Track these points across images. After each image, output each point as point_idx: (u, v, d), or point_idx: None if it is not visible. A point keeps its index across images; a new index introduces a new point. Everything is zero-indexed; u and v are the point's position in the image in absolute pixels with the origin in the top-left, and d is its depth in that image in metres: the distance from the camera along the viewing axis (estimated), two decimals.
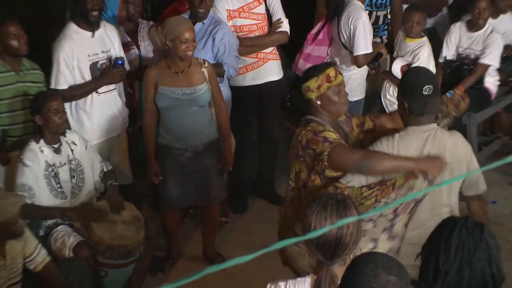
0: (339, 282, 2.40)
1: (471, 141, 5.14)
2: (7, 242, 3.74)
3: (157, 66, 4.74)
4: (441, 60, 5.74)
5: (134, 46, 5.43)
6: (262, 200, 6.11)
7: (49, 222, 4.42)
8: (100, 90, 4.90)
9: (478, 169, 3.64)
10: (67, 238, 4.34)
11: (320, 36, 5.64)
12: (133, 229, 4.50)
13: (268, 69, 5.65)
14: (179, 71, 4.68)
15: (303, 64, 5.69)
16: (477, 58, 5.59)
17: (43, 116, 4.33)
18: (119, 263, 4.46)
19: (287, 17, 5.65)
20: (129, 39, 5.42)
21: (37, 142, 4.37)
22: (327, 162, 3.41)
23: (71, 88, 4.81)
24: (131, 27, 5.50)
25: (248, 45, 5.49)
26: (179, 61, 4.65)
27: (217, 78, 4.90)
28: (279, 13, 5.61)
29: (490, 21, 5.74)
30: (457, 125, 4.95)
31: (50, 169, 4.37)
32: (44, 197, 4.33)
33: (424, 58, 5.42)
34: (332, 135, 3.47)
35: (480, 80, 5.63)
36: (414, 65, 5.29)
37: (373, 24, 5.86)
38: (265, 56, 5.62)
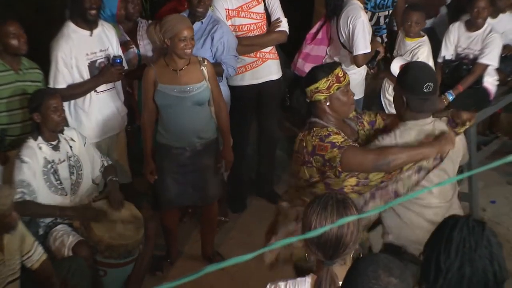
0: (339, 282, 2.40)
1: (470, 141, 5.13)
2: (4, 238, 3.74)
3: (155, 65, 4.73)
4: (440, 60, 5.74)
5: (133, 45, 5.43)
6: (261, 200, 6.11)
7: (48, 221, 4.43)
8: (99, 89, 4.90)
9: (467, 156, 3.75)
10: (66, 237, 4.34)
11: (319, 35, 5.64)
12: (132, 228, 4.50)
13: (267, 69, 5.65)
14: (178, 69, 4.67)
15: (302, 64, 5.69)
16: (476, 58, 5.59)
17: (42, 114, 4.33)
18: (119, 262, 4.45)
19: (286, 17, 5.65)
20: (128, 38, 5.42)
21: (35, 139, 4.37)
22: (341, 168, 3.38)
23: (70, 87, 4.81)
24: (130, 26, 5.50)
25: (247, 45, 5.49)
26: (178, 59, 4.65)
27: (216, 78, 4.91)
28: (278, 12, 5.61)
29: (489, 20, 5.73)
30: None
31: (49, 165, 4.37)
32: (43, 193, 4.33)
33: (423, 58, 5.42)
34: (339, 138, 3.42)
35: (479, 80, 5.62)
36: None
37: (374, 25, 5.88)
38: (264, 56, 5.63)
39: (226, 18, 5.44)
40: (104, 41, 4.93)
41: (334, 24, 5.48)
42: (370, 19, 5.76)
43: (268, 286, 2.66)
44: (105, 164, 4.74)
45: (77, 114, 4.91)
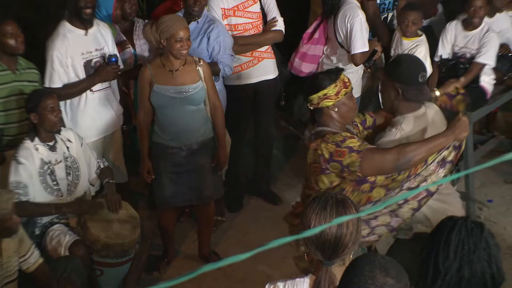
0: (338, 283, 2.39)
1: (467, 140, 5.13)
2: (3, 241, 3.74)
3: (152, 65, 4.73)
4: (436, 59, 5.73)
5: (129, 45, 5.42)
6: (258, 199, 6.11)
7: (45, 220, 4.42)
8: (94, 88, 4.90)
9: None
10: (62, 237, 4.34)
11: (316, 35, 5.63)
12: (129, 227, 4.50)
13: (263, 68, 5.65)
14: (174, 70, 4.67)
15: (299, 63, 5.69)
16: (472, 57, 5.58)
17: (39, 114, 4.32)
18: (115, 262, 4.45)
19: (282, 16, 5.65)
20: (124, 38, 5.42)
21: (32, 140, 4.37)
22: (361, 172, 3.37)
23: (65, 86, 4.81)
24: (126, 26, 5.50)
25: (243, 44, 5.49)
26: (174, 60, 4.64)
27: (213, 77, 4.90)
28: (274, 11, 5.61)
29: (486, 20, 5.73)
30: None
31: (45, 166, 4.36)
32: (39, 194, 4.33)
33: (420, 58, 5.41)
34: (355, 142, 3.40)
35: (476, 79, 5.62)
36: None
37: None
38: (260, 55, 5.62)
39: (222, 17, 5.43)
40: (99, 40, 4.93)
41: (331, 23, 5.47)
42: None
43: (267, 286, 2.66)
44: (101, 166, 4.73)
45: (72, 114, 4.91)
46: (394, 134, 3.60)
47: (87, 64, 4.86)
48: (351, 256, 2.56)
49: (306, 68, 5.67)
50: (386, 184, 3.43)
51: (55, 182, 4.40)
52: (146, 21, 5.52)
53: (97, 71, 4.86)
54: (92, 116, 4.94)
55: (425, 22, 6.03)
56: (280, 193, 6.13)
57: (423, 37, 5.56)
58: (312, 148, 3.50)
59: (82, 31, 4.84)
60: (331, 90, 3.48)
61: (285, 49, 6.04)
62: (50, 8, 6.44)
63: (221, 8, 5.45)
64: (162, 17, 4.68)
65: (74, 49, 4.79)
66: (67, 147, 4.51)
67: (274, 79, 5.75)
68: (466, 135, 3.40)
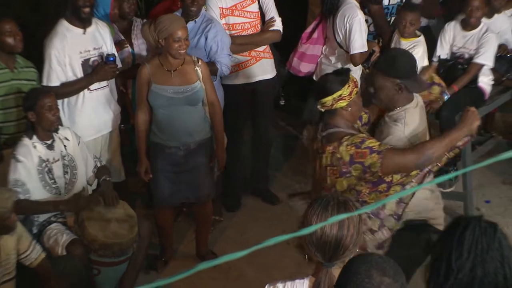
0: None
1: None
2: (1, 238, 3.74)
3: (150, 64, 4.72)
4: (435, 59, 5.73)
5: (128, 45, 5.42)
6: (256, 199, 6.11)
7: (42, 219, 4.42)
8: (92, 87, 4.89)
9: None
10: (60, 236, 4.34)
11: (315, 35, 5.63)
12: (126, 227, 4.49)
13: (261, 68, 5.65)
14: (172, 70, 4.66)
15: (297, 63, 5.69)
16: (471, 57, 5.57)
17: (36, 112, 4.32)
18: (112, 261, 4.45)
19: (280, 16, 5.65)
20: (122, 37, 5.41)
21: (30, 138, 4.37)
22: (382, 172, 3.43)
23: (63, 85, 4.80)
24: (124, 25, 5.49)
25: (241, 43, 5.48)
26: (172, 60, 4.64)
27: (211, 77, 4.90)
28: (272, 11, 5.61)
29: (485, 20, 5.73)
30: (451, 124, 4.97)
31: (43, 164, 4.36)
32: (38, 192, 4.33)
33: (418, 58, 5.41)
34: (374, 142, 3.46)
35: (474, 80, 5.61)
36: None
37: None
38: (258, 55, 5.62)
39: (220, 17, 5.43)
40: (97, 39, 4.93)
41: (330, 23, 5.46)
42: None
43: (266, 287, 2.65)
44: (98, 165, 4.73)
45: (70, 112, 4.91)
46: (402, 130, 3.66)
47: (85, 63, 4.85)
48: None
49: (305, 68, 5.68)
50: (401, 182, 3.52)
51: (52, 180, 4.40)
52: (144, 20, 5.51)
53: (95, 70, 4.86)
54: (89, 115, 4.94)
55: (423, 23, 6.03)
56: (278, 193, 6.13)
57: (421, 38, 5.56)
58: (328, 151, 3.51)
59: (81, 30, 4.84)
60: (345, 90, 3.52)
61: (283, 49, 6.04)
62: (49, 7, 6.43)
63: (219, 8, 5.44)
64: (161, 17, 4.67)
65: (72, 47, 4.79)
66: (65, 146, 4.51)
67: (272, 79, 5.75)
68: (478, 123, 3.54)
